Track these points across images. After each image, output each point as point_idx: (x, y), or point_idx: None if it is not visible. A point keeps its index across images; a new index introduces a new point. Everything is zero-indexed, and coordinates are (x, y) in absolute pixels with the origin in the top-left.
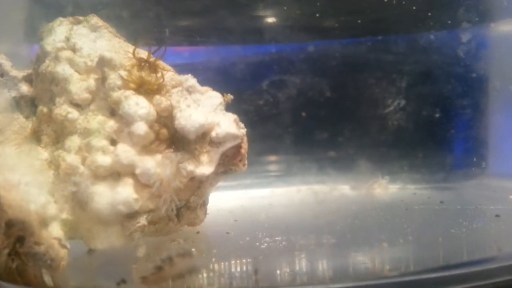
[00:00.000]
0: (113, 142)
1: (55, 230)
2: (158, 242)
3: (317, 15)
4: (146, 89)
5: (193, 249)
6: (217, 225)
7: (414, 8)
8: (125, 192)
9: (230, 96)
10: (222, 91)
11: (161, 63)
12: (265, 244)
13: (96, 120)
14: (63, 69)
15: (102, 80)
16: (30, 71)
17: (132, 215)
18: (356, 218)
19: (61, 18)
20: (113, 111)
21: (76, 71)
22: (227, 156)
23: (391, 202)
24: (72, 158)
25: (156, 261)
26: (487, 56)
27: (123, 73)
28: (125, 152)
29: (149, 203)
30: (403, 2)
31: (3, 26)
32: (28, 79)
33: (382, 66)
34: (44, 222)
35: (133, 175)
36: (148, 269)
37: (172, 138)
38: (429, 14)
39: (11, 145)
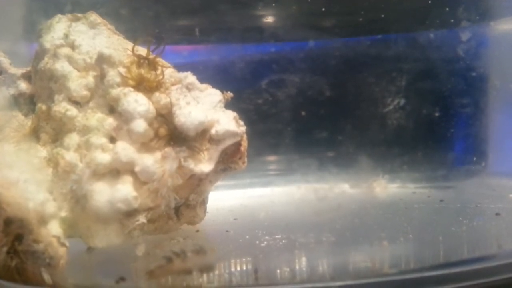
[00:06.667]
0: (112, 140)
1: (54, 228)
2: (157, 240)
3: (317, 13)
4: (145, 86)
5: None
6: (217, 223)
7: (414, 6)
8: (124, 190)
9: (229, 94)
10: (222, 90)
11: (160, 60)
12: (265, 243)
13: (95, 117)
14: (62, 66)
15: (101, 77)
16: (28, 68)
17: (131, 213)
18: (356, 216)
19: (60, 15)
20: (112, 108)
21: (75, 68)
22: (226, 153)
23: (391, 201)
24: (71, 156)
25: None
26: (487, 54)
27: (122, 70)
28: (124, 149)
29: (148, 201)
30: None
31: (2, 24)
32: (27, 77)
33: (382, 64)
34: (43, 220)
35: (132, 172)
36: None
37: (172, 135)
38: (429, 12)
39: (9, 142)
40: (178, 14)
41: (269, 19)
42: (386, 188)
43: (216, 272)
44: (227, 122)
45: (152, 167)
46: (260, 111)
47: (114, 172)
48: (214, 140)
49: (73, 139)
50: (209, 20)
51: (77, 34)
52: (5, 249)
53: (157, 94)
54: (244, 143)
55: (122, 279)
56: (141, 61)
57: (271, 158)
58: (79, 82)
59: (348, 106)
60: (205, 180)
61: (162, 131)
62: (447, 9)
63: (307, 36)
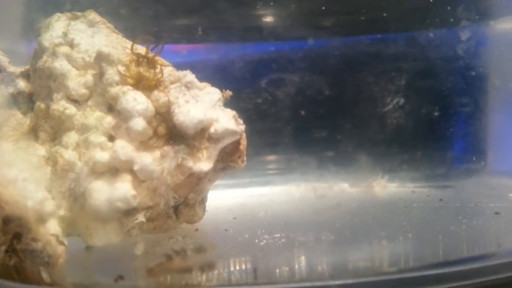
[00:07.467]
0: (111, 138)
1: (53, 227)
2: (156, 239)
3: (316, 12)
4: (144, 85)
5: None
6: (216, 222)
7: (414, 6)
8: (123, 188)
9: (229, 92)
10: (221, 89)
11: (159, 58)
12: (264, 241)
13: (94, 116)
14: (60, 64)
15: (100, 75)
16: (27, 67)
17: (130, 212)
18: (355, 215)
19: (58, 14)
20: (111, 106)
21: (74, 66)
22: (225, 152)
23: (390, 200)
24: (69, 154)
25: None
26: (487, 54)
27: (121, 68)
28: (123, 148)
29: (147, 199)
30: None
31: (1, 22)
32: (26, 75)
33: (382, 64)
34: (42, 219)
35: (131, 171)
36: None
37: (171, 134)
38: (429, 12)
39: (8, 141)
40: (177, 13)
41: (269, 18)
42: (385, 187)
43: (215, 271)
44: (226, 121)
45: (151, 166)
46: (259, 110)
47: (113, 170)
48: (213, 139)
49: (71, 137)
50: (209, 19)
51: (76, 33)
52: (3, 248)
53: (156, 92)
54: (243, 142)
55: (120, 277)
56: (140, 59)
57: (271, 157)
58: (77, 81)
59: (348, 105)
60: (204, 178)
61: (161, 129)
62: (447, 8)
63: (307, 35)
